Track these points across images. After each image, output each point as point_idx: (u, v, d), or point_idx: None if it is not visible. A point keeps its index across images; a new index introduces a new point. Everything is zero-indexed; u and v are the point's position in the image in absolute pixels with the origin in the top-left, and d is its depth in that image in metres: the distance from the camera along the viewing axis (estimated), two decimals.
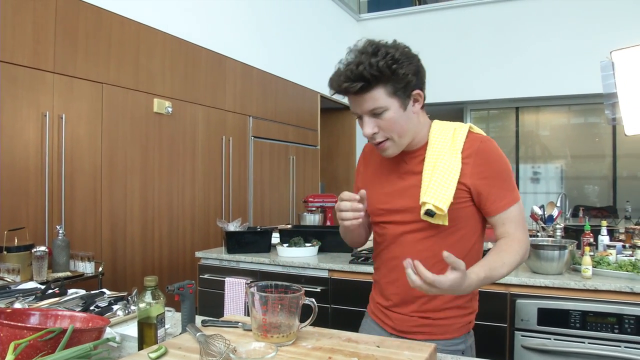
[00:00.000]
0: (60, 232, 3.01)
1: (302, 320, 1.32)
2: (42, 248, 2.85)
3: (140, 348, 1.30)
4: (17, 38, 3.06)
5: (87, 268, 3.11)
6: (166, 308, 1.66)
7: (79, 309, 1.71)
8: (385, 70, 1.33)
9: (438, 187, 1.37)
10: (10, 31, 3.02)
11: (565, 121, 7.64)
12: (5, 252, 2.80)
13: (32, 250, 2.82)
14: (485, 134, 1.46)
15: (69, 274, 3.00)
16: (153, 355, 1.16)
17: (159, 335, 1.30)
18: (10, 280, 2.50)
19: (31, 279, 2.72)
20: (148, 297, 1.29)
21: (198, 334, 1.24)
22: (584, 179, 7.39)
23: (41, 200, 3.21)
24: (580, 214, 4.63)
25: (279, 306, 1.24)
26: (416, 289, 1.18)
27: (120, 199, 3.77)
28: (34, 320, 1.23)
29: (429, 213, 1.37)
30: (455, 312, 1.48)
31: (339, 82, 1.40)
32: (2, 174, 3.00)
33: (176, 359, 1.17)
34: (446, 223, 1.39)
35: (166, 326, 1.49)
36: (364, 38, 1.48)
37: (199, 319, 1.51)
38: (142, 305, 1.29)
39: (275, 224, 4.68)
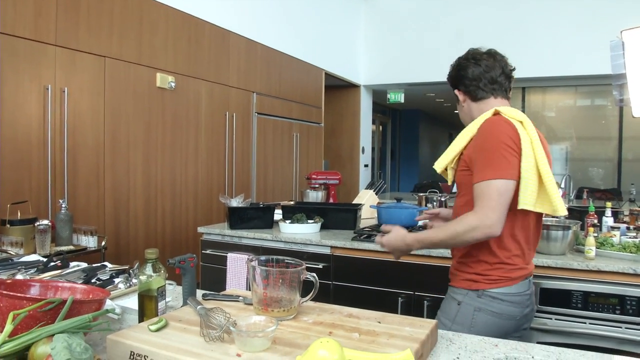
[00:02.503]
0: (63, 206, 3.01)
1: (303, 295, 1.32)
2: (45, 221, 2.85)
3: (141, 320, 1.30)
4: (18, 10, 3.01)
5: (90, 242, 3.12)
6: (168, 282, 1.66)
7: (80, 282, 1.71)
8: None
9: (444, 154, 1.81)
10: (11, 3, 2.98)
11: (572, 102, 7.55)
12: (8, 225, 2.80)
13: (35, 224, 2.82)
14: (510, 115, 1.66)
15: (72, 247, 3.01)
16: (153, 327, 1.16)
17: (159, 307, 1.30)
18: (13, 253, 2.51)
19: (34, 252, 2.73)
20: (149, 269, 1.29)
21: (199, 307, 1.24)
22: (589, 161, 7.33)
23: (44, 174, 3.20)
24: (584, 196, 4.60)
25: (280, 280, 1.24)
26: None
27: (123, 173, 3.76)
28: (34, 291, 1.22)
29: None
30: (460, 267, 1.74)
31: None
32: (4, 147, 2.98)
33: (176, 332, 1.17)
34: (449, 182, 1.79)
35: (167, 299, 1.49)
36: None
37: (200, 292, 1.51)
38: (142, 277, 1.29)
39: (278, 200, 4.67)
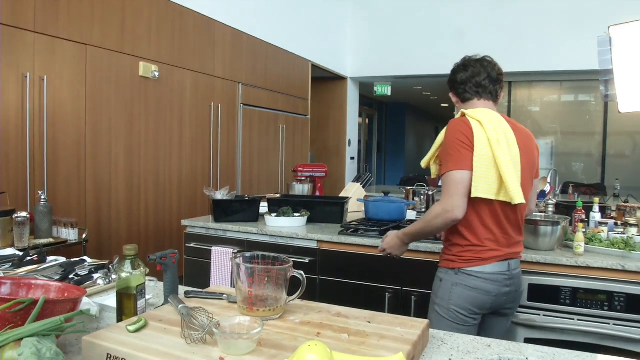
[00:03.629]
0: (43, 197, 2.91)
1: (289, 294, 1.26)
2: (24, 214, 2.75)
3: (120, 319, 1.24)
4: None
5: (70, 235, 3.03)
6: (149, 278, 1.60)
7: (58, 277, 1.64)
8: None
9: (429, 152, 2.06)
10: None
11: (557, 97, 7.57)
12: None
13: (13, 216, 2.73)
14: (472, 116, 1.87)
15: (51, 240, 2.92)
16: (131, 328, 1.10)
17: (139, 306, 1.24)
18: None
19: (12, 245, 2.64)
20: (127, 266, 1.23)
21: (180, 306, 1.18)
22: (573, 156, 7.37)
23: (22, 164, 3.11)
24: (570, 191, 4.61)
25: (266, 278, 1.19)
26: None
27: (105, 164, 3.67)
28: (4, 290, 1.15)
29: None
30: (443, 250, 2.00)
31: None
32: None
33: (156, 332, 1.11)
34: (432, 176, 2.09)
35: (148, 296, 1.43)
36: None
37: (182, 289, 1.45)
38: (121, 275, 1.22)
39: (264, 193, 4.61)
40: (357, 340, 1.09)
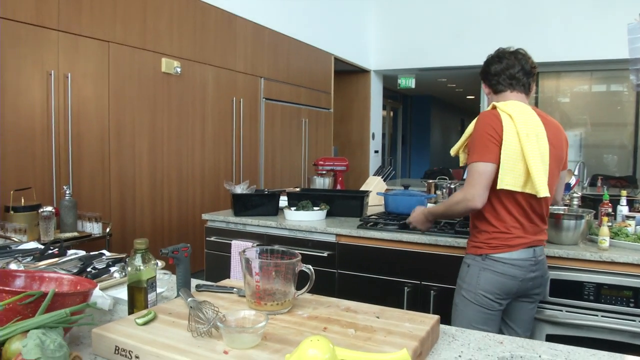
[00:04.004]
0: (67, 192, 2.98)
1: (299, 288, 1.26)
2: (49, 208, 2.82)
3: (131, 312, 1.26)
4: None
5: (94, 229, 3.09)
6: (163, 271, 1.62)
7: (76, 270, 1.67)
8: None
9: (459, 141, 2.12)
10: None
11: (587, 88, 7.35)
12: (12, 212, 2.78)
13: (39, 210, 2.80)
14: (503, 109, 1.90)
15: (76, 234, 2.98)
16: (140, 321, 1.12)
17: (149, 299, 1.26)
18: (17, 240, 2.49)
19: (39, 239, 2.71)
20: (138, 260, 1.24)
21: (189, 299, 1.19)
22: (603, 148, 7.15)
23: (48, 160, 3.18)
24: (599, 183, 4.48)
25: (274, 272, 1.18)
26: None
27: (129, 160, 3.73)
28: (19, 283, 1.18)
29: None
30: (470, 238, 2.04)
31: None
32: (7, 133, 2.96)
33: (164, 325, 1.12)
34: (460, 164, 2.12)
35: (161, 290, 1.45)
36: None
37: (195, 282, 1.46)
38: (131, 268, 1.24)
39: (287, 187, 4.62)
40: (363, 336, 1.08)
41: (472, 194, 1.84)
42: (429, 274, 2.48)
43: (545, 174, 1.85)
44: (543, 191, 1.82)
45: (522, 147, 1.83)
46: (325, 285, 2.70)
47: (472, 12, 6.85)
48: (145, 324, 1.12)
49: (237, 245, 2.91)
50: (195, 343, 1.02)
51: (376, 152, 8.12)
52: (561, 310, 2.25)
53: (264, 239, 2.89)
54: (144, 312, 1.17)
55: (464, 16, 6.90)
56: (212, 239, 3.08)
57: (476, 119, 1.96)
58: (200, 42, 4.36)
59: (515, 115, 1.87)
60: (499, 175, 1.84)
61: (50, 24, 3.14)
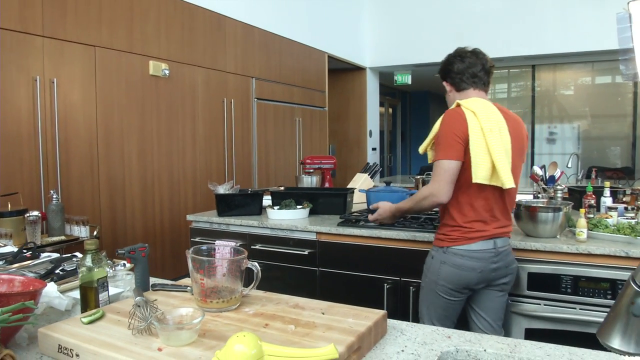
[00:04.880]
0: (54, 196, 3.01)
1: (247, 285, 1.27)
2: (35, 213, 2.86)
3: (84, 311, 1.27)
4: (2, 2, 2.99)
5: (82, 232, 3.12)
6: (126, 271, 1.64)
7: (44, 272, 1.69)
8: None
9: (426, 139, 2.20)
10: None
11: (584, 79, 7.30)
12: None
13: (25, 215, 2.83)
14: (467, 107, 1.99)
15: (63, 238, 3.02)
16: (85, 320, 1.13)
17: (101, 299, 1.27)
18: (1, 244, 2.52)
19: (25, 243, 2.74)
20: (88, 260, 1.25)
21: (137, 298, 1.20)
22: (602, 139, 7.10)
23: (35, 166, 3.21)
24: (593, 175, 4.45)
25: (217, 270, 1.19)
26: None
27: (118, 163, 3.75)
28: None
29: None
30: (437, 230, 2.13)
31: None
32: None
33: (109, 324, 1.14)
34: (429, 162, 2.15)
35: (119, 290, 1.46)
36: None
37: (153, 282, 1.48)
38: (83, 269, 1.25)
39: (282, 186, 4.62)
40: (302, 332, 1.08)
41: (437, 189, 1.95)
42: (409, 270, 2.48)
43: (509, 166, 1.94)
44: (508, 182, 1.91)
45: (487, 141, 1.91)
46: (307, 284, 2.71)
47: (467, 6, 6.82)
48: (90, 322, 1.13)
49: (220, 245, 2.92)
50: (134, 341, 1.04)
51: (374, 149, 8.10)
52: (539, 304, 2.24)
53: (246, 239, 2.90)
54: (93, 311, 1.19)
55: (458, 10, 6.87)
56: (197, 239, 3.10)
57: (441, 117, 2.04)
58: (188, 43, 4.38)
59: (479, 112, 1.95)
60: (472, 170, 1.92)
61: (34, 30, 3.17)
